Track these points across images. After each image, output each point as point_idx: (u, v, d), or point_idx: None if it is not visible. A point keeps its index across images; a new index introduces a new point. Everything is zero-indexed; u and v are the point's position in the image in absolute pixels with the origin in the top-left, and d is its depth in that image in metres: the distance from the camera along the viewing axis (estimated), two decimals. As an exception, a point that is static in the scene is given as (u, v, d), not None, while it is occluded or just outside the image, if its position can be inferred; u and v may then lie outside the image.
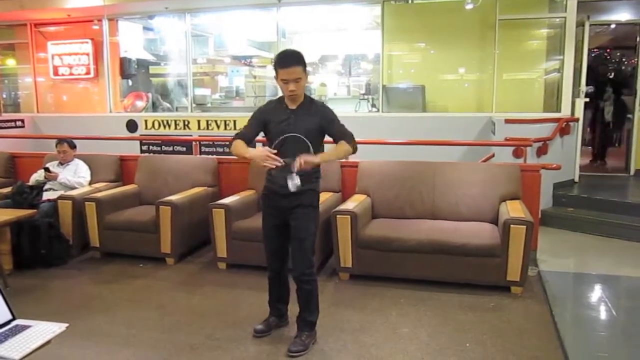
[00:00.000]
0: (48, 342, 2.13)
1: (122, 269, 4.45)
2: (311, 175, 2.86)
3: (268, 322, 3.19)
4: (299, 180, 2.67)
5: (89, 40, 9.03)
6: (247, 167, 4.83)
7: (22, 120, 9.10)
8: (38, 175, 5.07)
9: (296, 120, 2.84)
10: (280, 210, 2.93)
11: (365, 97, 8.38)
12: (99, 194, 4.74)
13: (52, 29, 9.47)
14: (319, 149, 2.92)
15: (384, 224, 4.17)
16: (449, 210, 4.31)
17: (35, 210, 4.40)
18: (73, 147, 5.20)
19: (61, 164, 5.15)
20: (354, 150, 2.88)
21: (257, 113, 2.99)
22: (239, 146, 2.86)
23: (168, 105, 9.15)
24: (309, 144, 2.76)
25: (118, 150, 6.00)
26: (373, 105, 8.17)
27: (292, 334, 3.07)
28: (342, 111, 7.99)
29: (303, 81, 2.80)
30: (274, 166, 2.65)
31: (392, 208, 4.41)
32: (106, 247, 4.67)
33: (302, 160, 2.64)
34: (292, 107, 2.88)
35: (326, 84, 8.73)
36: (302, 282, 2.93)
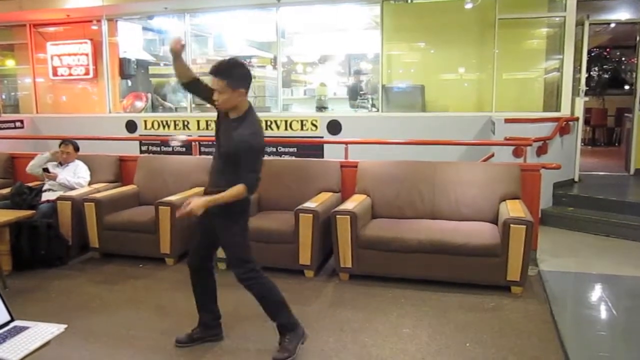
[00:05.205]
0: (47, 343, 2.13)
1: (121, 269, 4.44)
2: (230, 210, 2.76)
3: (191, 334, 3.04)
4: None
5: (88, 41, 9.01)
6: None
7: (22, 121, 9.08)
8: (39, 160, 5.07)
9: (226, 132, 2.75)
10: (207, 210, 2.76)
11: (365, 96, 8.37)
12: (98, 195, 4.74)
13: (51, 29, 9.45)
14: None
15: (383, 224, 4.17)
16: (448, 210, 4.31)
17: (34, 211, 4.40)
18: (77, 149, 5.19)
19: (60, 164, 5.14)
20: (250, 192, 2.73)
21: None
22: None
23: (170, 105, 9.13)
24: (222, 169, 2.76)
25: (117, 150, 5.98)
26: (373, 105, 8.16)
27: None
28: (342, 111, 8.08)
29: (226, 95, 2.64)
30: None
31: (391, 208, 4.41)
32: (105, 247, 4.67)
33: (191, 205, 2.59)
34: (233, 116, 2.76)
35: (326, 84, 8.71)
36: (243, 284, 2.84)
